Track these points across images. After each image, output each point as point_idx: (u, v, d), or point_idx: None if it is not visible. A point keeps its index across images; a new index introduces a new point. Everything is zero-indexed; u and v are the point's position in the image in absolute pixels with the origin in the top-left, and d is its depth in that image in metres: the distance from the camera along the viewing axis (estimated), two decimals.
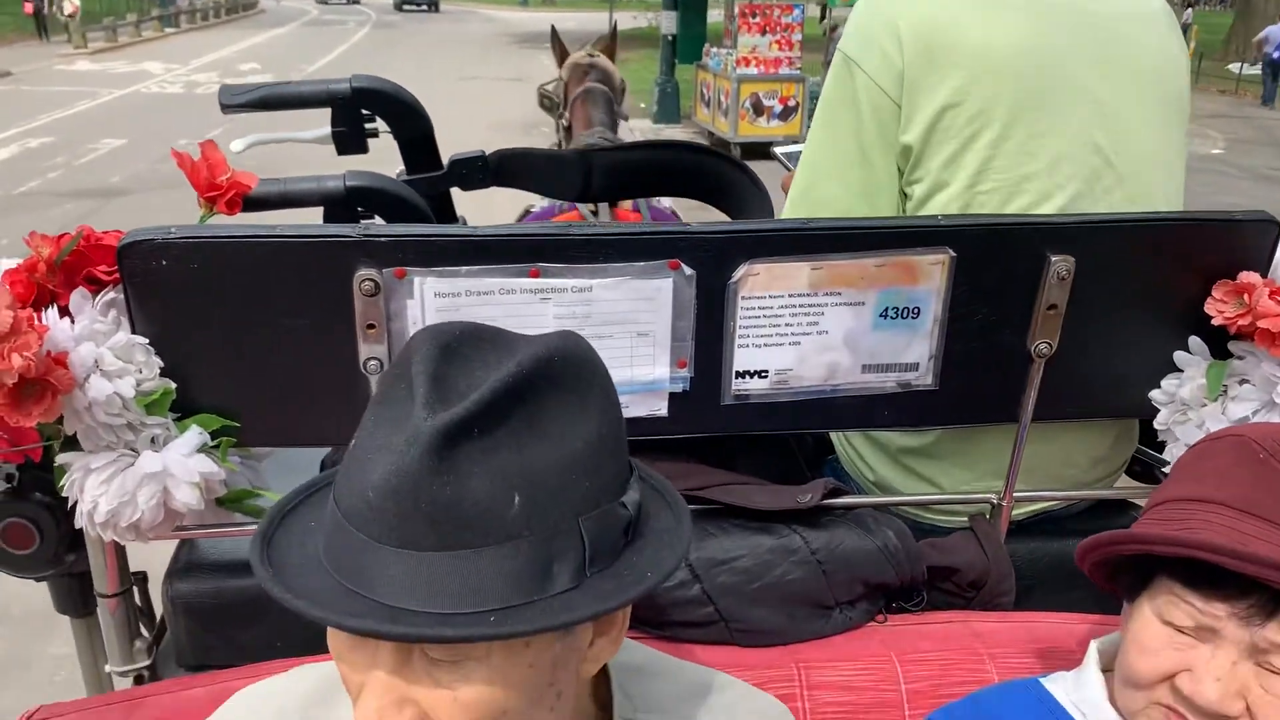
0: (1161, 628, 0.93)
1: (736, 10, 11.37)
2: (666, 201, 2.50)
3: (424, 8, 48.95)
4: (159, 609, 1.45)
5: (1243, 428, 0.98)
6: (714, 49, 12.11)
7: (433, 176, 1.88)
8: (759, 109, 11.12)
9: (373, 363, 1.19)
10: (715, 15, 20.48)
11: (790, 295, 1.24)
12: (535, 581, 0.69)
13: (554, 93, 2.88)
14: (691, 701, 0.91)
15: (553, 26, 3.19)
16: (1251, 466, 0.92)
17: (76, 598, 1.44)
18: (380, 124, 1.83)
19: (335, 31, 27.70)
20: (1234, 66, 19.41)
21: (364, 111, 1.79)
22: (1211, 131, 13.54)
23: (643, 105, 13.88)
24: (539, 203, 2.49)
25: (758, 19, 11.07)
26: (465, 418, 0.67)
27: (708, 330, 1.25)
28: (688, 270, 1.20)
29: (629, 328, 1.23)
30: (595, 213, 2.35)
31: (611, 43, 2.96)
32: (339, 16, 39.03)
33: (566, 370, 0.73)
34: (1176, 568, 0.92)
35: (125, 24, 26.63)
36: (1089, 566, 1.03)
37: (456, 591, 0.68)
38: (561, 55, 2.92)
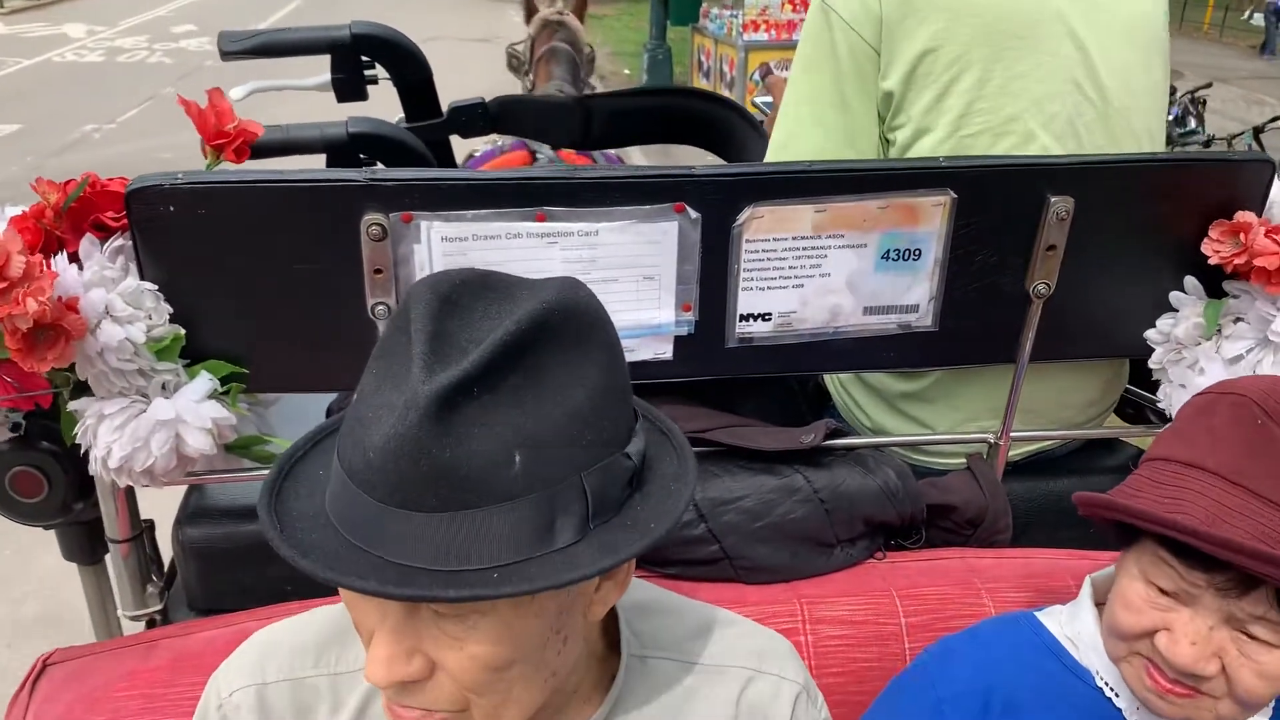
0: (1145, 587, 0.95)
1: None
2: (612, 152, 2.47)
3: None
4: (166, 557, 1.47)
5: (1245, 383, 0.97)
6: (714, 9, 10.05)
7: (433, 124, 1.87)
8: None
9: (380, 307, 1.20)
10: None
11: (794, 238, 1.26)
12: (538, 538, 0.69)
13: (522, 53, 2.85)
14: (698, 638, 0.93)
15: None
16: (1247, 430, 0.93)
17: (85, 546, 1.46)
18: (380, 70, 1.82)
19: None
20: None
21: (364, 58, 1.78)
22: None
23: (627, 72, 12.64)
24: (481, 147, 2.46)
25: None
26: (463, 379, 0.66)
27: (712, 273, 1.26)
28: (693, 213, 1.21)
29: (635, 271, 1.24)
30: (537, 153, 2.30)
31: (582, 2, 2.92)
32: None
33: (567, 323, 0.72)
34: (1164, 536, 0.93)
35: None
36: (1083, 514, 1.05)
37: (460, 551, 0.68)
38: (530, 11, 2.87)
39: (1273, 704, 1.02)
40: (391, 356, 0.71)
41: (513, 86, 2.94)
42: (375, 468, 0.67)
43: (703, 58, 10.62)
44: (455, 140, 2.03)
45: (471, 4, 20.39)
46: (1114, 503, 0.97)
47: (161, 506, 1.47)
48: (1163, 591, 0.94)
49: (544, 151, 2.20)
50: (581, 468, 0.71)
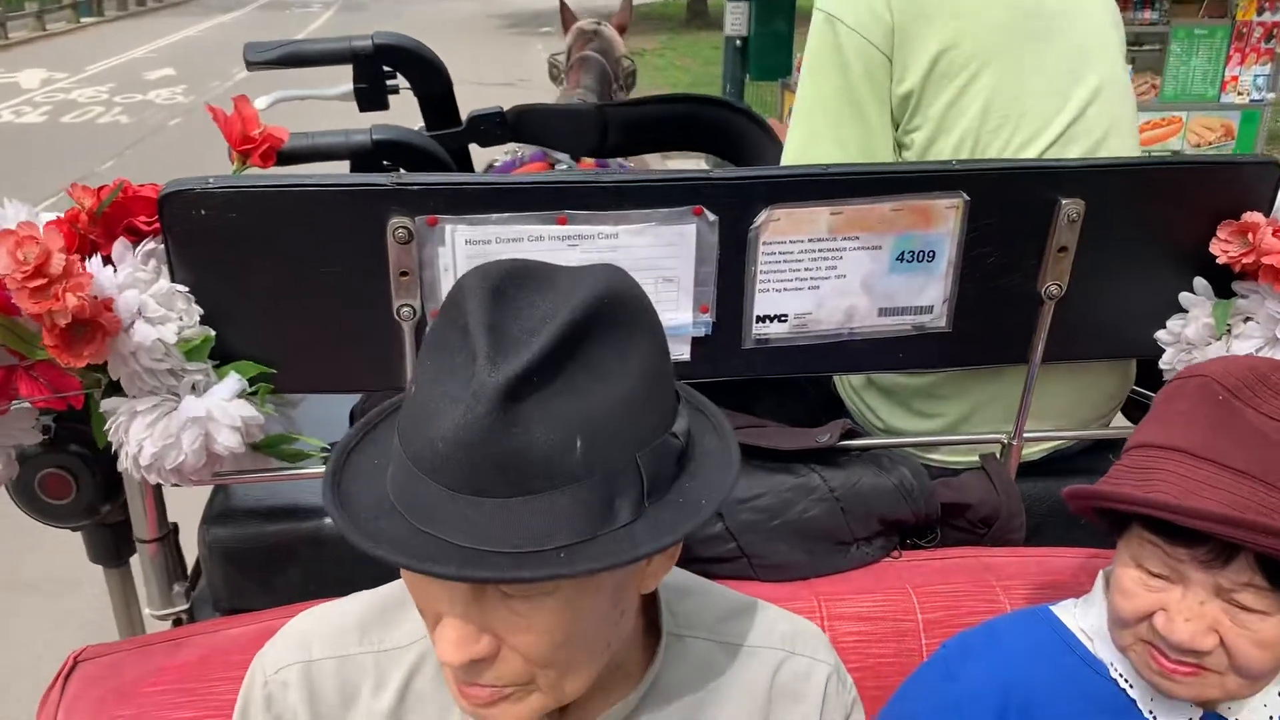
0: (1136, 571, 0.98)
1: None
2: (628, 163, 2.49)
3: None
4: (189, 560, 1.49)
5: (1209, 365, 1.02)
6: None
7: (453, 132, 1.90)
8: None
9: (405, 309, 1.22)
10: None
11: (810, 240, 1.28)
12: (599, 518, 0.72)
13: (561, 62, 2.89)
14: (732, 620, 0.96)
15: None
16: (1210, 407, 0.96)
17: (111, 547, 1.48)
18: (401, 80, 1.85)
19: (292, 18, 22.28)
20: None
21: (385, 68, 1.81)
22: None
23: None
24: (501, 157, 2.50)
25: None
26: (526, 371, 0.69)
27: (730, 275, 1.28)
28: (711, 216, 1.24)
29: (654, 273, 1.26)
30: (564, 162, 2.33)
31: (624, 13, 2.95)
32: None
33: (616, 310, 0.75)
34: (1145, 516, 0.96)
35: (19, 15, 18.53)
36: (1075, 510, 1.08)
37: (527, 533, 0.70)
38: (567, 22, 2.92)
39: None
40: (448, 349, 0.73)
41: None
42: (445, 457, 0.70)
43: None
44: (474, 152, 2.07)
45: (493, 35, 18.03)
46: (1094, 491, 1.01)
47: (183, 511, 1.50)
48: (1153, 574, 0.97)
49: (563, 161, 2.24)
50: (636, 449, 0.74)
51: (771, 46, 7.44)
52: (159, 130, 10.28)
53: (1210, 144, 5.89)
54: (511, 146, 2.26)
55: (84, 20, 21.14)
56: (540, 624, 0.75)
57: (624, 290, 0.77)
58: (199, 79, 13.47)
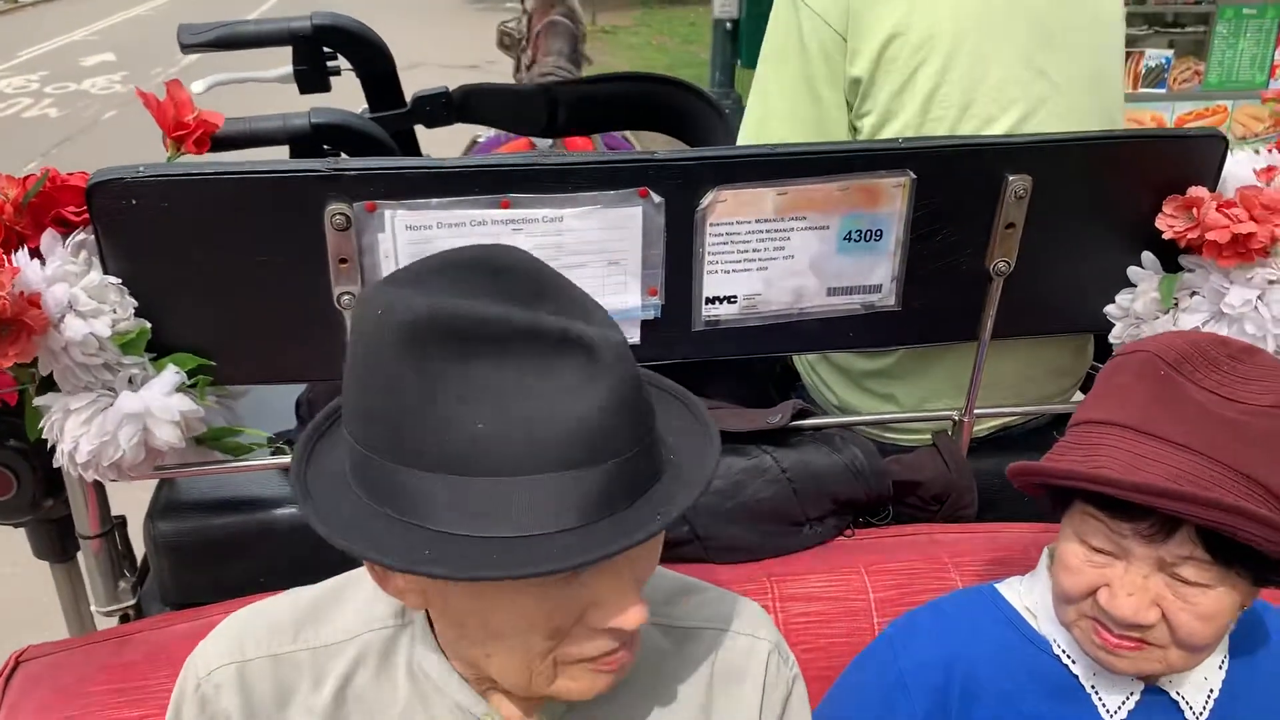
0: (1080, 547, 0.99)
1: None
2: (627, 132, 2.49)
3: None
4: (138, 553, 1.47)
5: (1151, 341, 1.02)
6: None
7: (397, 114, 1.87)
8: None
9: (346, 297, 1.20)
10: None
11: (757, 221, 1.27)
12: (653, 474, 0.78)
13: (515, 29, 2.84)
14: (672, 602, 0.96)
15: None
16: (1152, 382, 0.97)
17: (56, 543, 1.46)
18: (342, 62, 1.82)
19: None
20: None
21: (325, 49, 1.78)
22: None
23: None
24: (485, 133, 2.47)
25: None
26: (621, 337, 0.74)
27: (677, 257, 1.27)
28: (656, 198, 1.22)
29: (601, 257, 1.25)
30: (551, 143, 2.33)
31: None
32: None
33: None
34: (1089, 492, 0.97)
35: None
36: (1019, 486, 1.08)
37: (643, 483, 0.75)
38: None
39: (1225, 648, 1.05)
40: (502, 371, 0.71)
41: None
42: (599, 430, 0.71)
43: None
44: (460, 130, 2.04)
45: (457, 13, 16.72)
46: (1037, 467, 1.01)
47: (131, 503, 1.47)
48: (1097, 549, 0.98)
49: (545, 140, 2.21)
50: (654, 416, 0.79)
51: (762, 31, 6.25)
52: (92, 125, 9.29)
53: (1258, 135, 5.65)
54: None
55: (21, 0, 18.95)
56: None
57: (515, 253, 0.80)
58: (141, 65, 12.17)
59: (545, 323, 0.72)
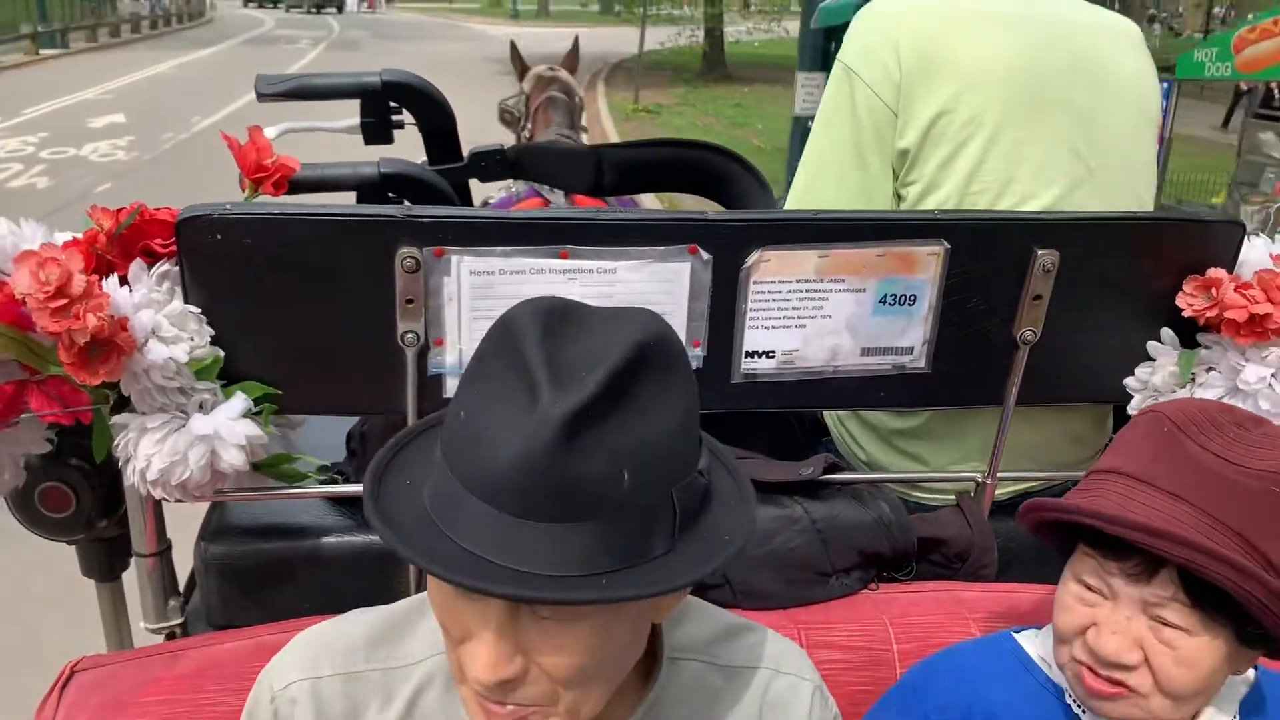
0: (1075, 585, 1.04)
1: None
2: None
3: (314, 10, 42.20)
4: (182, 576, 1.51)
5: (1165, 404, 1.08)
6: None
7: (455, 167, 1.96)
8: None
9: (409, 335, 1.27)
10: None
11: (798, 281, 1.34)
12: (637, 548, 0.77)
13: (514, 107, 2.99)
14: (721, 642, 1.00)
15: (512, 42, 3.31)
16: (1156, 439, 1.03)
17: (104, 562, 1.51)
18: (405, 116, 1.91)
19: (279, 53, 20.73)
20: None
21: (391, 104, 1.87)
22: None
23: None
24: (497, 194, 2.59)
25: None
26: (586, 404, 0.73)
27: (721, 312, 1.33)
28: (705, 255, 1.29)
29: (649, 308, 1.31)
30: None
31: (572, 56, 3.09)
32: (294, 31, 30.71)
33: (658, 351, 0.79)
34: (1088, 532, 1.03)
35: None
36: (1031, 530, 1.14)
37: (573, 558, 0.74)
38: (522, 70, 3.04)
39: (1235, 711, 1.09)
40: (499, 379, 0.77)
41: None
42: (503, 481, 0.74)
43: None
44: (472, 187, 2.13)
45: (488, 80, 16.22)
46: (1042, 502, 1.08)
47: (174, 528, 1.52)
48: (1089, 588, 1.03)
49: (556, 198, 2.31)
50: (672, 484, 0.79)
51: None
52: (81, 198, 8.26)
53: None
54: (506, 183, 2.33)
55: (44, 52, 18.93)
56: (571, 645, 0.79)
57: (665, 333, 0.82)
58: (150, 129, 11.50)
59: (532, 352, 0.76)
